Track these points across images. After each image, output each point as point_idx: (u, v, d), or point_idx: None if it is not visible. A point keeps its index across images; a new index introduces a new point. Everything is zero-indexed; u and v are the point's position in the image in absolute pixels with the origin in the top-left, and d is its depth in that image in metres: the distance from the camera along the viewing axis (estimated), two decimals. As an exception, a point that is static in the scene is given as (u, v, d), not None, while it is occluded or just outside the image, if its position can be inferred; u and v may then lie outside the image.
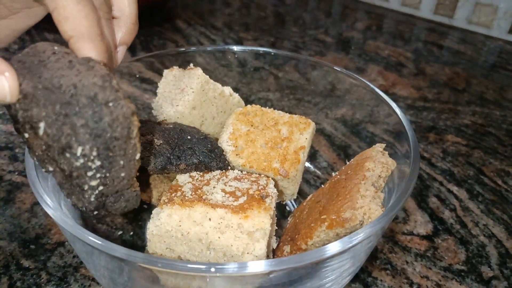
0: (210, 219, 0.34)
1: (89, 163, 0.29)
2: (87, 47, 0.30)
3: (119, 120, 0.29)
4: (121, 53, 0.36)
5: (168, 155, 0.40)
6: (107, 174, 0.30)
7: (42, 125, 0.29)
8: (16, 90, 0.29)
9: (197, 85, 0.46)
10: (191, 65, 0.49)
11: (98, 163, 0.29)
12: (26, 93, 0.29)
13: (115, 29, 0.35)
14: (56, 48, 0.30)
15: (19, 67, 0.30)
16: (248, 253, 0.33)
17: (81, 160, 0.29)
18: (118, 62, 0.36)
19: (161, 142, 0.40)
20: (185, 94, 0.46)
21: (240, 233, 0.34)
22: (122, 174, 0.31)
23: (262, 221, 0.34)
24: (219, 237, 0.34)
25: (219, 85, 0.49)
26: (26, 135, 0.31)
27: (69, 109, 0.28)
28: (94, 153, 0.29)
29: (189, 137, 0.42)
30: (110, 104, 0.28)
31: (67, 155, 0.29)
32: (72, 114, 0.28)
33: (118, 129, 0.29)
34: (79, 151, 0.28)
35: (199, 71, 0.47)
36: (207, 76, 0.47)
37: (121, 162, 0.30)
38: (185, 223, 0.34)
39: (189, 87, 0.46)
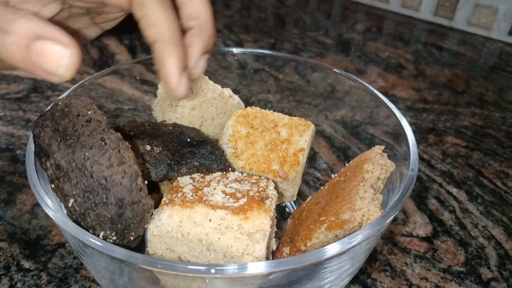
0: (210, 220, 0.35)
1: (107, 239, 0.33)
2: (169, 50, 0.33)
3: (138, 214, 0.33)
4: (204, 62, 0.38)
5: (169, 161, 0.40)
6: (119, 241, 0.34)
7: (71, 201, 0.33)
8: (74, 70, 0.30)
9: (196, 85, 0.46)
10: None
11: (114, 238, 0.33)
12: (60, 165, 0.32)
13: (192, 40, 0.37)
14: (90, 113, 0.33)
15: (54, 126, 0.33)
16: (248, 254, 0.33)
17: (101, 237, 0.33)
18: (201, 72, 0.38)
19: (160, 149, 0.40)
20: None
21: (240, 234, 0.34)
22: (132, 238, 0.34)
23: (262, 222, 0.35)
24: (219, 238, 0.34)
25: (218, 86, 0.50)
26: (53, 186, 0.34)
27: (98, 199, 0.32)
28: (113, 233, 0.33)
29: (188, 140, 0.42)
30: (134, 205, 0.32)
31: (90, 230, 0.33)
32: (100, 205, 0.32)
33: (136, 219, 0.33)
34: (101, 234, 0.33)
35: None
36: (206, 77, 0.48)
37: (133, 233, 0.34)
38: (186, 223, 0.35)
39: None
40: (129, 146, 0.33)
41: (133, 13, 0.33)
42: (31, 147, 0.37)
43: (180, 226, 0.34)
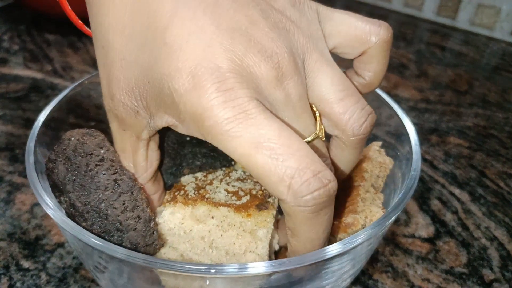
0: (213, 217, 0.34)
1: None
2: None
3: (150, 253, 0.34)
4: None
5: (170, 170, 0.39)
6: None
7: None
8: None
9: None
10: None
11: None
12: (75, 205, 0.33)
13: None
14: (102, 152, 0.33)
15: (67, 164, 0.33)
16: (250, 251, 0.33)
17: None
18: None
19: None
20: None
21: (243, 232, 0.34)
22: None
23: (265, 219, 0.34)
24: (221, 235, 0.34)
25: None
26: (64, 206, 0.34)
27: (113, 240, 0.32)
28: None
29: (188, 139, 0.41)
30: (147, 246, 0.33)
31: None
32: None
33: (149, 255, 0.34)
34: None
35: None
36: None
37: None
38: (188, 220, 0.34)
39: None
40: (142, 186, 0.34)
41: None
42: (30, 146, 0.37)
43: (183, 223, 0.34)
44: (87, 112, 0.47)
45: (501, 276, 0.48)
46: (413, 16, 1.21)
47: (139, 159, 0.34)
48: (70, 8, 0.40)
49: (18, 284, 0.44)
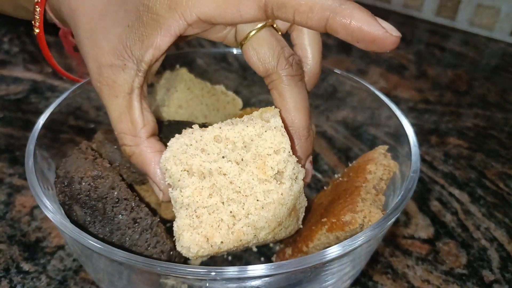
0: (220, 127, 0.33)
1: None
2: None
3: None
4: (308, 166, 0.39)
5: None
6: None
7: None
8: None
9: (180, 83, 0.47)
10: (178, 66, 0.50)
11: None
12: (98, 237, 0.34)
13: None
14: (116, 193, 0.34)
15: (86, 210, 0.34)
16: (266, 131, 0.32)
17: None
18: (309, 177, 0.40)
19: None
20: (170, 94, 0.47)
21: (251, 121, 0.33)
22: None
23: (269, 107, 0.34)
24: (232, 124, 0.33)
25: (207, 84, 0.50)
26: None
27: None
28: None
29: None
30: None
31: None
32: None
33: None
34: None
35: (183, 70, 0.49)
36: (192, 75, 0.50)
37: None
38: (197, 131, 0.33)
39: (173, 86, 0.48)
40: (158, 219, 0.35)
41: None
42: (30, 149, 0.37)
43: (192, 133, 0.33)
44: (87, 114, 0.47)
45: (501, 277, 0.48)
46: (412, 16, 1.21)
47: (135, 114, 0.35)
48: (62, 69, 0.46)
49: (18, 287, 0.44)
